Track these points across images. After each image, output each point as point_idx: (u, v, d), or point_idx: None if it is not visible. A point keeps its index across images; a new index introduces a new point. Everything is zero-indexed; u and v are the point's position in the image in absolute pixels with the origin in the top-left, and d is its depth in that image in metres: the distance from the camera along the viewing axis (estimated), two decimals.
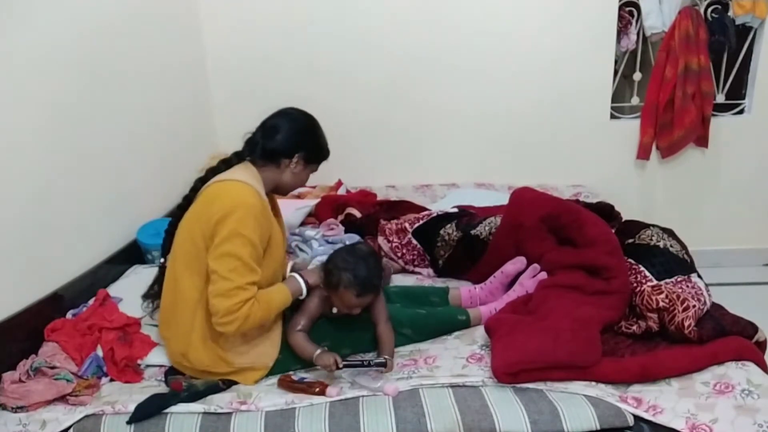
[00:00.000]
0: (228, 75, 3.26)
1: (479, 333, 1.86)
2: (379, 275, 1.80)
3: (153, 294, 1.87)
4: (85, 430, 1.57)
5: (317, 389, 1.62)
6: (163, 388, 1.71)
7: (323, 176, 3.20)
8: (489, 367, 1.64)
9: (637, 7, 3.17)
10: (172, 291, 1.75)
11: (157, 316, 1.85)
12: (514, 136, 3.33)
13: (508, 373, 1.59)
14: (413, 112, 3.32)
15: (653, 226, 2.14)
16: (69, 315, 1.97)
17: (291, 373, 1.73)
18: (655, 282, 1.86)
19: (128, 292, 2.06)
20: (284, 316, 1.81)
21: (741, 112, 3.35)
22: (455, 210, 2.57)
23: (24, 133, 1.89)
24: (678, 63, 3.13)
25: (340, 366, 1.64)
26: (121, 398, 1.65)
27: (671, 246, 2.02)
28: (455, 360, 1.74)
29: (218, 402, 1.61)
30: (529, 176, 3.13)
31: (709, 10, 3.17)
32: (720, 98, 3.32)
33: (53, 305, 1.95)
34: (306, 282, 1.79)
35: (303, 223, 2.73)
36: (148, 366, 1.84)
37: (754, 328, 1.74)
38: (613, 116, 3.35)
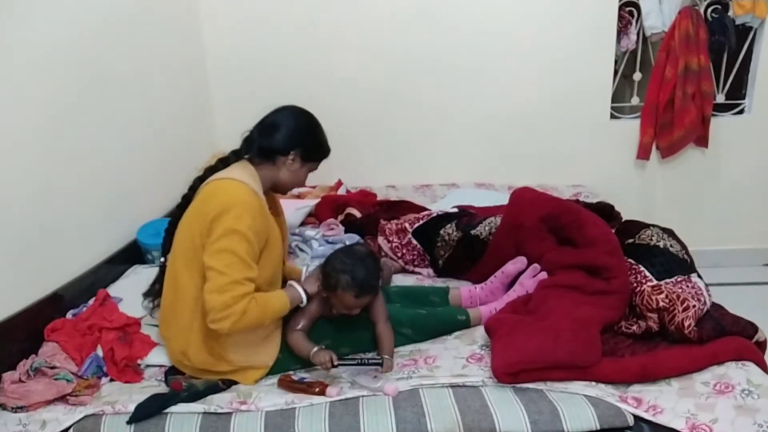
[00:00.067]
0: (228, 75, 3.26)
1: (479, 333, 1.86)
2: (377, 276, 1.80)
3: (154, 292, 1.87)
4: (85, 430, 1.57)
5: (317, 389, 1.62)
6: (163, 388, 1.71)
7: (323, 176, 3.21)
8: (489, 367, 1.64)
9: (637, 7, 3.17)
10: (172, 290, 1.75)
11: (158, 315, 1.85)
12: (514, 136, 3.33)
13: (508, 373, 1.59)
14: (413, 112, 3.32)
15: (653, 226, 2.14)
16: (69, 315, 1.97)
17: (291, 373, 1.73)
18: (655, 282, 1.86)
19: (128, 292, 2.06)
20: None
21: (741, 112, 3.35)
22: (455, 210, 2.57)
23: (24, 133, 1.89)
24: (678, 63, 3.13)
25: (335, 364, 1.64)
26: (121, 398, 1.65)
27: (671, 246, 2.01)
28: (455, 360, 1.74)
29: (218, 402, 1.61)
30: (529, 176, 3.13)
31: (709, 10, 3.17)
32: (720, 98, 3.32)
33: (53, 305, 1.95)
34: (305, 291, 1.77)
35: (303, 223, 2.73)
36: (148, 366, 1.84)
37: (754, 328, 1.74)
38: (613, 116, 3.35)
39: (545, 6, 3.14)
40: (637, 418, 1.51)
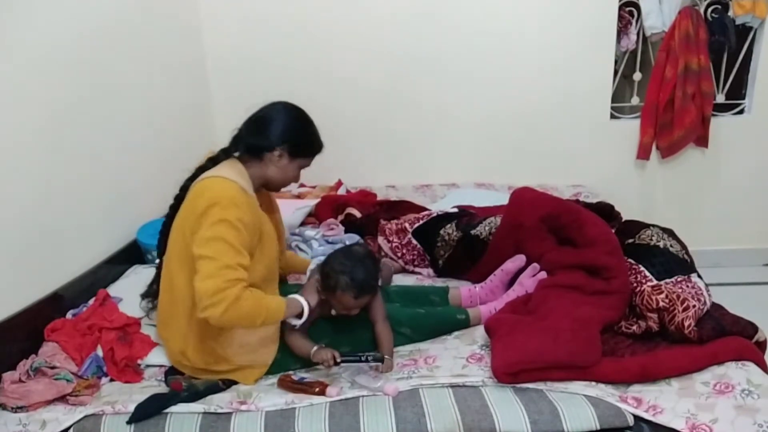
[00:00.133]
0: (228, 75, 3.26)
1: (479, 333, 1.86)
2: (376, 276, 1.80)
3: (152, 293, 1.87)
4: (85, 430, 1.57)
5: (317, 389, 1.62)
6: (163, 388, 1.71)
7: (323, 176, 3.23)
8: (489, 367, 1.64)
9: (637, 7, 3.17)
10: (168, 291, 1.75)
11: (155, 316, 1.85)
12: (514, 136, 3.33)
13: (508, 373, 1.59)
14: (413, 113, 3.32)
15: (653, 226, 2.14)
16: (69, 315, 1.97)
17: (291, 373, 1.73)
18: (655, 282, 1.86)
19: (128, 292, 2.06)
20: None
21: (741, 112, 3.35)
22: (455, 210, 2.57)
23: (24, 133, 1.89)
24: (678, 63, 3.13)
25: (338, 361, 1.64)
26: (121, 398, 1.65)
27: (671, 246, 2.02)
28: (455, 360, 1.74)
29: (218, 402, 1.61)
30: (529, 176, 3.13)
31: (709, 10, 3.17)
32: (720, 98, 3.32)
33: (53, 305, 1.95)
34: (308, 303, 1.73)
35: (303, 223, 2.73)
36: (148, 366, 1.84)
37: (754, 328, 1.74)
38: (613, 116, 3.35)
39: (545, 6, 3.14)
40: (637, 418, 1.51)
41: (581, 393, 1.56)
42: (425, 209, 2.71)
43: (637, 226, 2.17)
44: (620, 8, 3.16)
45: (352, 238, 2.52)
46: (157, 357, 1.84)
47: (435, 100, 3.29)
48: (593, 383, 1.60)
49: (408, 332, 1.86)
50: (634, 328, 1.77)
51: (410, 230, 2.40)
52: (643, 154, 3.32)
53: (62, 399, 1.65)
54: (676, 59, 3.13)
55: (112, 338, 1.84)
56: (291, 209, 2.68)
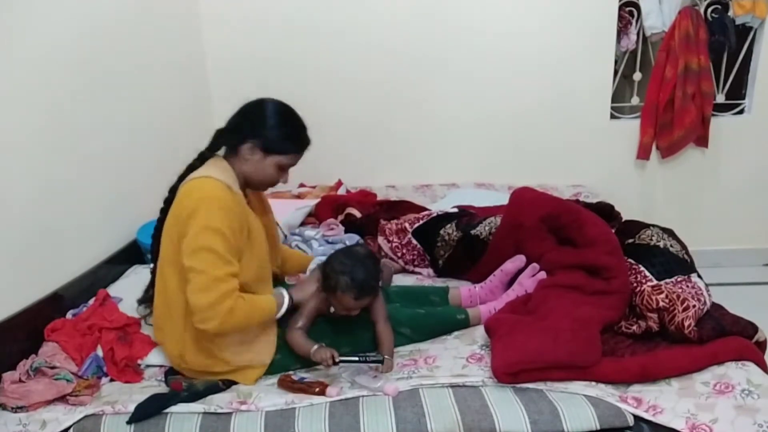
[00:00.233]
0: (228, 75, 3.26)
1: (479, 333, 1.86)
2: (377, 277, 1.79)
3: (148, 298, 1.87)
4: (85, 430, 1.57)
5: (317, 389, 1.62)
6: (163, 388, 1.71)
7: (323, 176, 3.23)
8: (489, 367, 1.64)
9: (637, 7, 3.17)
10: (162, 295, 1.74)
11: (152, 320, 1.85)
12: (514, 136, 3.33)
13: (508, 373, 1.59)
14: (413, 113, 3.32)
15: (653, 226, 2.14)
16: (69, 315, 1.97)
17: (291, 373, 1.73)
18: (655, 282, 1.86)
19: (128, 292, 2.06)
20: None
21: (741, 112, 3.35)
22: (455, 210, 2.57)
23: (24, 132, 1.89)
24: (678, 63, 3.13)
25: (337, 360, 1.64)
26: (121, 398, 1.65)
27: (671, 246, 2.01)
28: (455, 360, 1.73)
29: (218, 402, 1.61)
30: (529, 176, 3.13)
31: (709, 10, 3.18)
32: (720, 98, 3.32)
33: (53, 305, 1.95)
34: (290, 297, 1.78)
35: (303, 223, 2.73)
36: (148, 366, 1.84)
37: (754, 328, 1.74)
38: (613, 116, 3.35)
39: (545, 6, 3.14)
40: (637, 418, 1.51)
41: (581, 393, 1.56)
42: (425, 209, 2.71)
43: (637, 226, 2.17)
44: (620, 8, 3.17)
45: (352, 238, 2.52)
46: (157, 357, 1.84)
47: (435, 100, 3.29)
48: (593, 383, 1.60)
49: (408, 332, 1.86)
50: (634, 328, 1.77)
51: (410, 230, 2.40)
52: (643, 154, 3.32)
53: (62, 399, 1.65)
54: (676, 59, 3.14)
55: (112, 338, 1.84)
56: (291, 209, 2.68)
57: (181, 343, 1.70)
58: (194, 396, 1.63)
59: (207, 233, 1.58)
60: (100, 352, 1.82)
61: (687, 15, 3.11)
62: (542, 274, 2.02)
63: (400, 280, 2.29)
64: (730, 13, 3.16)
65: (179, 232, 1.63)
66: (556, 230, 2.12)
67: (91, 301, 2.03)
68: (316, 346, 1.68)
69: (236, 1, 3.18)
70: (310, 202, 2.86)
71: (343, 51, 3.22)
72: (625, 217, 2.46)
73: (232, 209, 1.64)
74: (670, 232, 2.10)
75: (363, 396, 1.59)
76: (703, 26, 3.13)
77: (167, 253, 1.70)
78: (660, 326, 1.75)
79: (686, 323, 1.68)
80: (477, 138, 3.35)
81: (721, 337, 1.68)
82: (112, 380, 1.78)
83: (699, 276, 1.94)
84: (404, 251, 2.40)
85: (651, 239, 2.05)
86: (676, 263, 1.95)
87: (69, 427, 1.57)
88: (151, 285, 1.84)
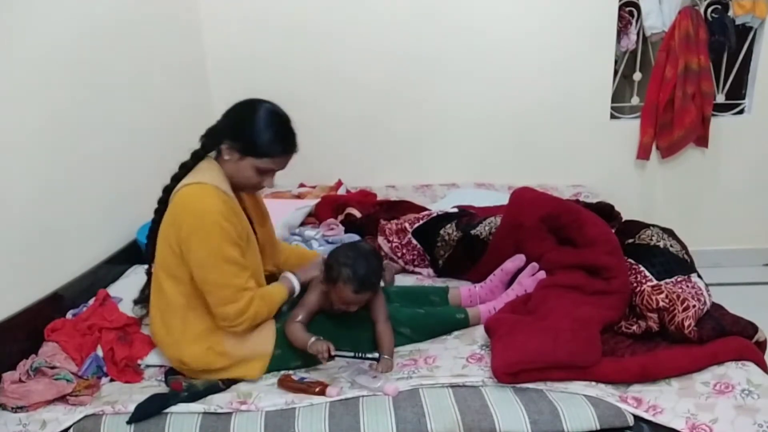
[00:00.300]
0: (228, 75, 3.26)
1: (479, 333, 1.86)
2: (379, 274, 1.80)
3: (144, 298, 1.87)
4: (85, 430, 1.57)
5: (317, 389, 1.62)
6: (163, 388, 1.71)
7: (323, 176, 3.23)
8: (489, 367, 1.64)
9: (637, 7, 3.17)
10: (158, 298, 1.74)
11: (149, 321, 1.85)
12: (514, 136, 3.33)
13: (508, 373, 1.59)
14: (413, 112, 3.32)
15: (653, 226, 2.14)
16: (69, 315, 1.97)
17: (291, 373, 1.73)
18: (655, 282, 1.86)
19: (128, 292, 2.05)
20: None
21: (741, 112, 3.35)
22: (455, 210, 2.57)
23: (24, 133, 1.89)
24: (678, 63, 3.13)
25: (333, 353, 1.64)
26: (121, 398, 1.65)
27: (671, 246, 2.01)
28: (455, 360, 1.74)
29: (218, 402, 1.61)
30: (529, 176, 3.13)
31: (709, 10, 3.17)
32: (720, 98, 3.32)
33: (53, 305, 1.96)
34: (298, 279, 1.85)
35: (303, 223, 2.73)
36: (148, 366, 1.84)
37: (754, 328, 1.73)
38: (613, 116, 3.35)
39: (545, 6, 3.14)
40: (637, 418, 1.51)
41: (581, 393, 1.56)
42: (425, 209, 2.71)
43: (637, 226, 2.17)
44: (620, 8, 3.17)
45: (352, 238, 2.52)
46: (157, 357, 1.83)
47: (435, 100, 3.29)
48: (593, 383, 1.60)
49: (407, 332, 1.86)
50: (634, 328, 1.77)
51: (410, 230, 2.40)
52: (643, 154, 3.32)
53: (62, 399, 1.65)
54: (676, 59, 3.14)
55: (112, 338, 1.84)
56: (291, 209, 2.68)
57: (180, 347, 1.71)
58: (194, 396, 1.63)
59: (214, 241, 1.61)
60: (100, 352, 1.82)
61: (687, 15, 3.11)
62: (542, 274, 2.02)
63: (400, 280, 2.29)
64: (730, 13, 3.16)
65: (178, 239, 1.64)
66: (556, 230, 2.12)
67: (91, 301, 2.03)
68: (313, 339, 1.68)
69: (236, 1, 3.18)
70: (310, 202, 2.86)
71: (343, 51, 3.22)
72: (625, 217, 2.46)
73: (231, 216, 1.66)
74: (670, 232, 2.10)
75: (363, 396, 1.59)
76: (703, 26, 3.13)
77: (163, 257, 1.70)
78: (660, 326, 1.75)
79: (686, 323, 1.68)
80: (477, 138, 3.35)
81: (721, 337, 1.68)
82: (112, 380, 1.78)
83: (699, 276, 1.94)
84: (404, 251, 2.40)
85: (651, 239, 2.05)
86: (676, 263, 1.95)
87: (69, 427, 1.57)
88: (147, 286, 1.84)
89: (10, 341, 1.75)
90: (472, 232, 2.28)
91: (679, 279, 1.88)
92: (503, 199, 2.48)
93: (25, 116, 1.90)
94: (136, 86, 2.52)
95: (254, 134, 1.67)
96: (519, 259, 2.09)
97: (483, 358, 1.72)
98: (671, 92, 3.17)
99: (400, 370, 1.71)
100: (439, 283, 2.26)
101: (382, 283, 1.87)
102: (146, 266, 1.87)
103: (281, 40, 3.21)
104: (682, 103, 3.16)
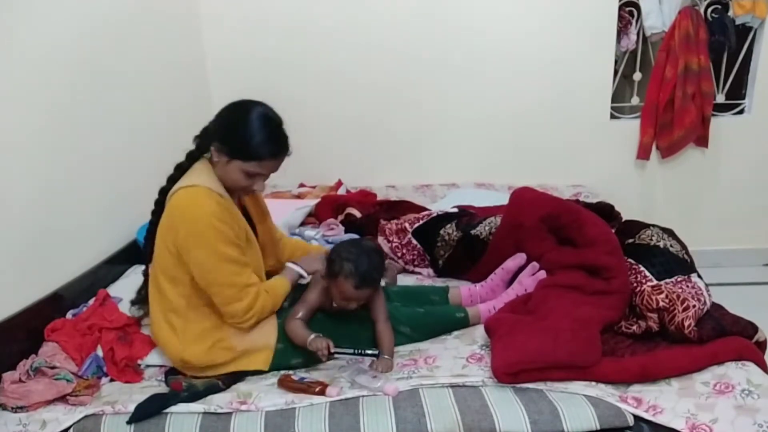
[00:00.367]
0: (228, 75, 3.26)
1: (479, 333, 1.86)
2: (380, 271, 1.81)
3: (141, 299, 1.87)
4: (85, 430, 1.57)
5: (317, 389, 1.62)
6: (163, 388, 1.71)
7: (323, 176, 3.23)
8: (489, 367, 1.64)
9: (637, 7, 3.17)
10: (157, 300, 1.75)
11: (147, 322, 1.85)
12: (514, 136, 3.34)
13: (508, 373, 1.59)
14: (413, 113, 3.32)
15: (653, 226, 2.14)
16: (69, 315, 1.97)
17: (291, 373, 1.73)
18: (655, 282, 1.86)
19: (128, 292, 2.05)
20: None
21: (741, 112, 3.35)
22: (455, 210, 2.57)
23: (24, 133, 1.89)
24: (678, 63, 3.13)
25: (332, 350, 1.65)
26: (121, 398, 1.65)
27: (671, 246, 2.01)
28: (455, 360, 1.74)
29: (218, 402, 1.61)
30: (529, 176, 3.13)
31: (709, 10, 3.18)
32: (720, 98, 3.32)
33: (53, 305, 1.95)
34: (301, 266, 1.87)
35: (303, 223, 2.73)
36: (148, 366, 1.84)
37: (754, 328, 1.73)
38: (613, 116, 3.35)
39: (545, 6, 3.14)
40: (637, 418, 1.51)
41: (581, 393, 1.56)
42: (425, 209, 2.71)
43: (637, 226, 2.17)
44: (620, 8, 3.17)
45: (352, 238, 2.52)
46: (157, 357, 1.83)
47: (435, 100, 3.29)
48: (593, 383, 1.60)
49: (407, 331, 1.86)
50: (634, 328, 1.77)
51: (410, 230, 2.40)
52: (643, 154, 3.32)
53: (62, 399, 1.65)
54: (676, 59, 3.14)
55: (112, 338, 1.84)
56: (291, 209, 2.68)
57: (180, 346, 1.71)
58: (194, 396, 1.63)
59: (214, 247, 1.62)
60: (100, 352, 1.82)
61: (687, 15, 3.11)
62: (542, 273, 2.02)
63: (400, 280, 2.29)
64: (730, 13, 3.16)
65: (175, 242, 1.65)
66: (556, 230, 2.12)
67: (91, 301, 2.03)
68: (313, 335, 1.69)
69: (236, 1, 3.18)
70: (310, 202, 2.86)
71: (343, 51, 3.22)
72: (625, 217, 2.46)
73: (227, 218, 1.66)
74: (670, 232, 2.10)
75: (363, 396, 1.59)
76: (703, 26, 3.13)
77: (162, 259, 1.71)
78: (660, 326, 1.75)
79: (686, 323, 1.68)
80: (477, 138, 3.35)
81: (721, 337, 1.68)
82: (112, 380, 1.78)
83: (699, 276, 1.94)
84: (404, 251, 2.40)
85: (651, 239, 2.05)
86: (676, 263, 1.95)
87: (69, 427, 1.57)
88: (144, 286, 1.84)
89: (10, 341, 1.75)
90: (472, 232, 2.28)
91: (679, 279, 1.87)
92: (503, 199, 2.48)
93: (25, 116, 1.90)
94: (136, 86, 2.52)
95: (241, 137, 1.63)
96: (520, 258, 2.09)
97: (483, 358, 1.72)
98: (671, 92, 3.18)
99: (400, 370, 1.71)
100: (439, 283, 2.26)
101: (384, 283, 1.87)
102: (143, 267, 1.87)
103: (281, 40, 3.21)
104: (682, 103, 3.16)
